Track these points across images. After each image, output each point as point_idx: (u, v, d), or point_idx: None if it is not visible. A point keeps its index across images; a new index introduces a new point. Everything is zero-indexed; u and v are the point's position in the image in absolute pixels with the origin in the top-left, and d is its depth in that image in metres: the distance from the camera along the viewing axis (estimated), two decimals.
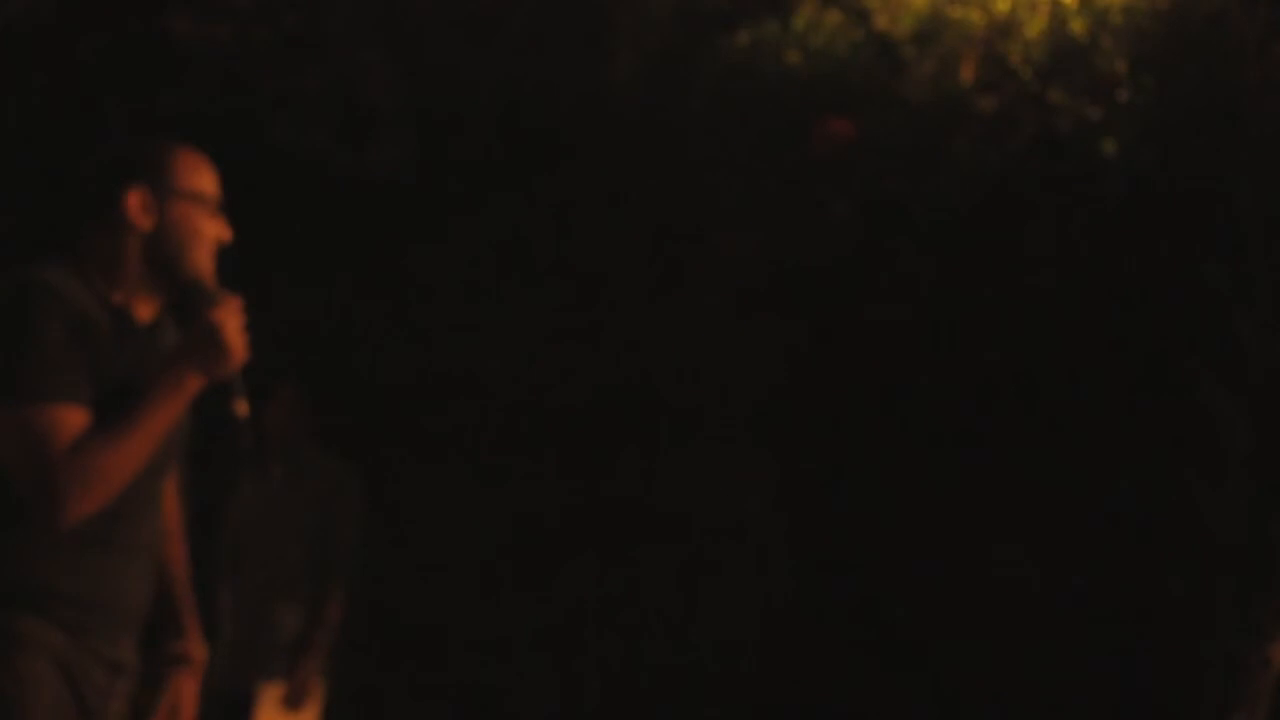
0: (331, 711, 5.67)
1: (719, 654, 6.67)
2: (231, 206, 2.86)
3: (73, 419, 2.56)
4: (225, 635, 5.55)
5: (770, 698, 6.60)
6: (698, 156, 6.56)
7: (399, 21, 6.71)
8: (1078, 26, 5.93)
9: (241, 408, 2.73)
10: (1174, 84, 5.74)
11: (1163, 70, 5.77)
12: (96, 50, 6.81)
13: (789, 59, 6.44)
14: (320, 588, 5.53)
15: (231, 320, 2.66)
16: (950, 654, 6.32)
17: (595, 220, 6.79)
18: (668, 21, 6.63)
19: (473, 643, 6.97)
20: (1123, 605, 6.10)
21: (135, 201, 2.71)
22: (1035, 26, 6.00)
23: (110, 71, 6.77)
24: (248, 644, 5.53)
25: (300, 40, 6.73)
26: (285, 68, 6.69)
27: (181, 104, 6.52)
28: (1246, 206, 5.62)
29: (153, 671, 2.86)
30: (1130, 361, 6.03)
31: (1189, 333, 5.79)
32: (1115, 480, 6.10)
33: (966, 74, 6.15)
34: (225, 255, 2.87)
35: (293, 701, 5.49)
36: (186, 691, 2.94)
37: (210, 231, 2.76)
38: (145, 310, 2.77)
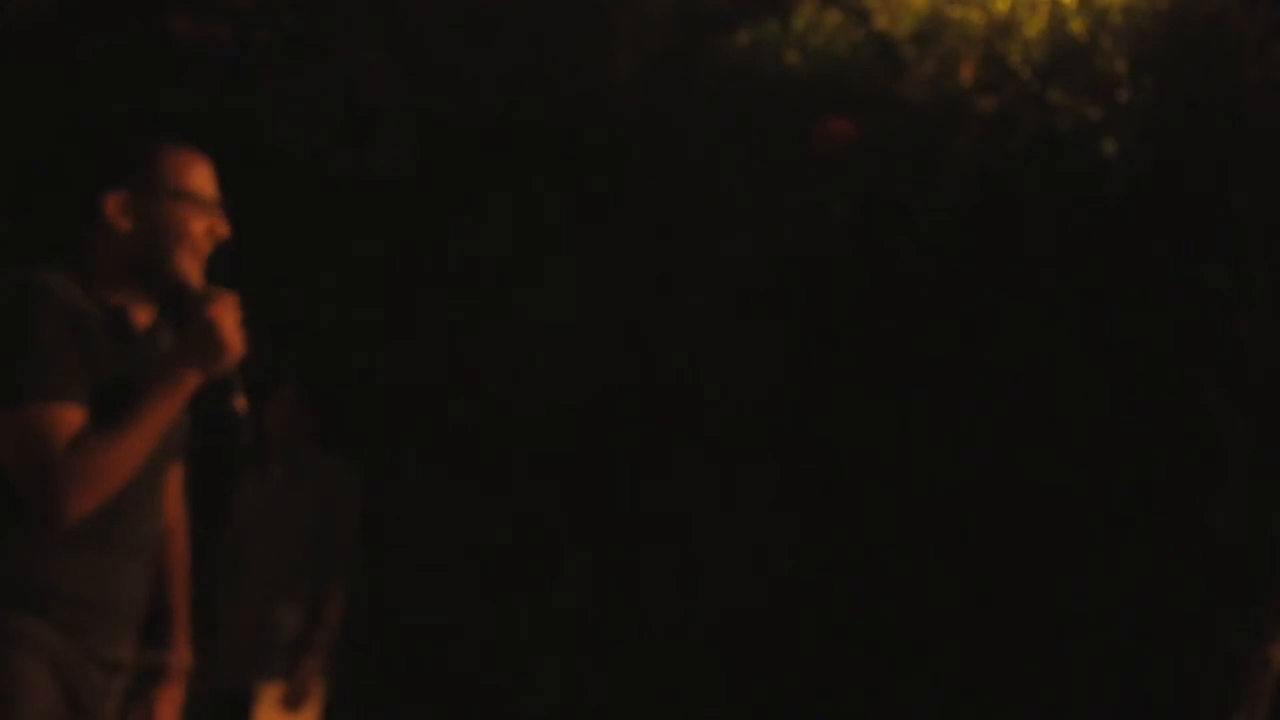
0: (331, 711, 5.67)
1: (719, 654, 6.67)
2: (231, 206, 2.85)
3: (71, 418, 2.57)
4: (225, 635, 5.55)
5: (770, 698, 6.60)
6: (698, 156, 6.56)
7: (399, 21, 6.71)
8: (1077, 26, 5.93)
9: (240, 404, 2.74)
10: (1174, 84, 5.74)
11: (1163, 70, 5.77)
12: (96, 50, 6.80)
13: (789, 59, 6.43)
14: (320, 588, 5.54)
15: (227, 316, 2.67)
16: (950, 654, 6.31)
17: (595, 220, 6.79)
18: (668, 21, 6.63)
19: (473, 643, 6.98)
20: (1123, 605, 6.10)
21: (114, 204, 2.71)
22: (1035, 26, 5.99)
23: (110, 71, 6.77)
24: (248, 644, 5.53)
25: (300, 40, 6.73)
26: (285, 68, 6.69)
27: (181, 104, 6.52)
28: (1246, 206, 5.62)
29: (133, 681, 2.86)
30: (1130, 361, 6.03)
31: (1189, 333, 5.78)
32: (1115, 480, 6.10)
33: (966, 74, 6.15)
34: (225, 255, 2.86)
35: (293, 701, 5.49)
36: (165, 704, 2.94)
37: (199, 229, 2.76)
38: (142, 313, 2.78)
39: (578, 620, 6.90)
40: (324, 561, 5.56)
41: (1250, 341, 5.65)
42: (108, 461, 2.57)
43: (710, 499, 6.70)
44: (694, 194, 6.55)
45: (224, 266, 2.85)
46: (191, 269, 2.74)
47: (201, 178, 2.78)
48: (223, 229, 2.78)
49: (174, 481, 2.95)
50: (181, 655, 2.96)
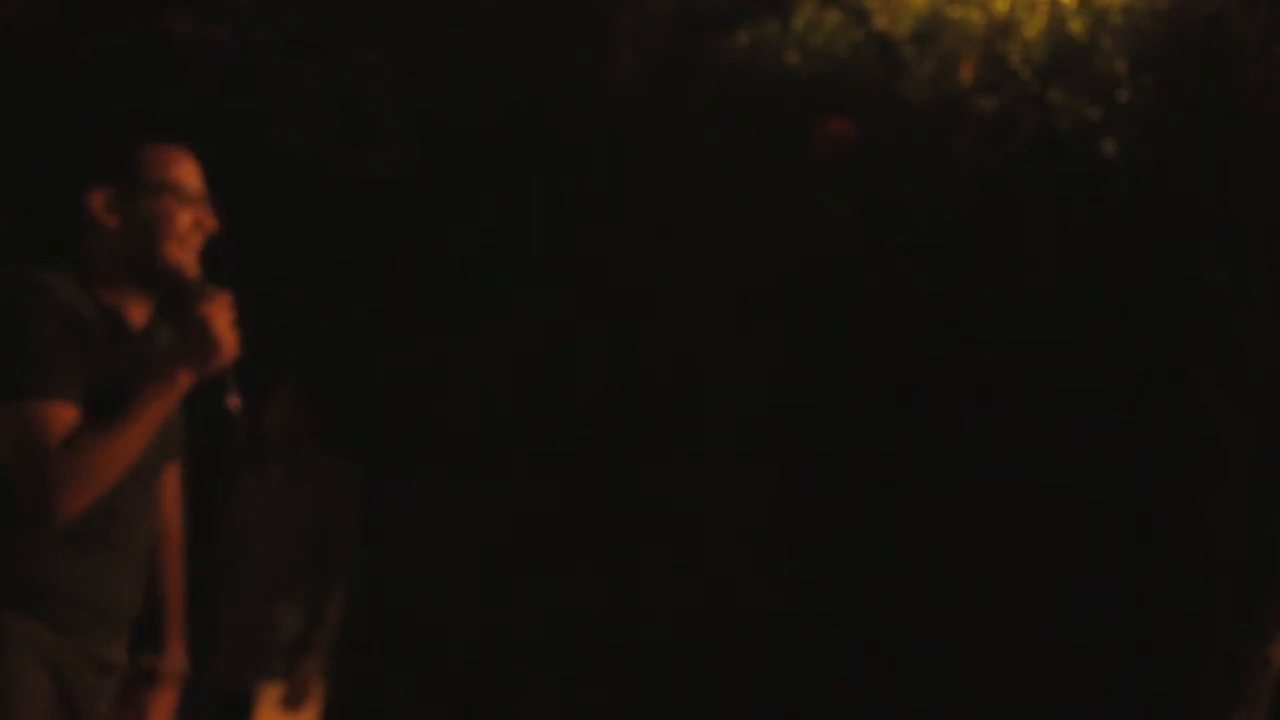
0: (331, 711, 5.67)
1: (719, 654, 6.67)
2: (231, 206, 2.86)
3: (66, 416, 2.58)
4: (225, 635, 5.55)
5: (770, 698, 6.60)
6: (698, 156, 6.55)
7: (399, 21, 6.71)
8: (1077, 26, 5.93)
9: (234, 402, 2.74)
10: (1174, 84, 5.74)
11: (1163, 70, 5.77)
12: (96, 50, 6.80)
13: (789, 59, 6.43)
14: (320, 587, 5.53)
15: (221, 315, 2.67)
16: (950, 654, 6.32)
17: (595, 220, 6.79)
18: (668, 21, 6.62)
19: (473, 643, 6.97)
20: (1123, 606, 6.11)
21: (98, 202, 2.73)
22: (1034, 26, 5.99)
23: (110, 71, 6.76)
24: (248, 644, 5.53)
25: (300, 40, 6.72)
26: (285, 68, 6.69)
27: (181, 104, 6.51)
28: (1246, 206, 5.62)
29: (125, 686, 2.85)
30: (1130, 362, 6.03)
31: (1189, 333, 5.79)
32: (1115, 481, 6.10)
33: (966, 74, 6.15)
34: (226, 255, 2.87)
35: (293, 701, 5.48)
36: (158, 709, 2.93)
37: (185, 221, 2.76)
38: (138, 314, 2.79)
39: (578, 620, 6.90)
40: (324, 561, 5.56)
41: (1250, 341, 5.65)
42: (101, 460, 2.57)
43: (710, 499, 6.70)
44: (694, 194, 6.55)
45: (224, 266, 2.85)
46: (184, 259, 2.75)
47: (184, 171, 2.79)
48: (210, 221, 2.79)
49: (171, 481, 2.95)
50: (175, 659, 2.95)
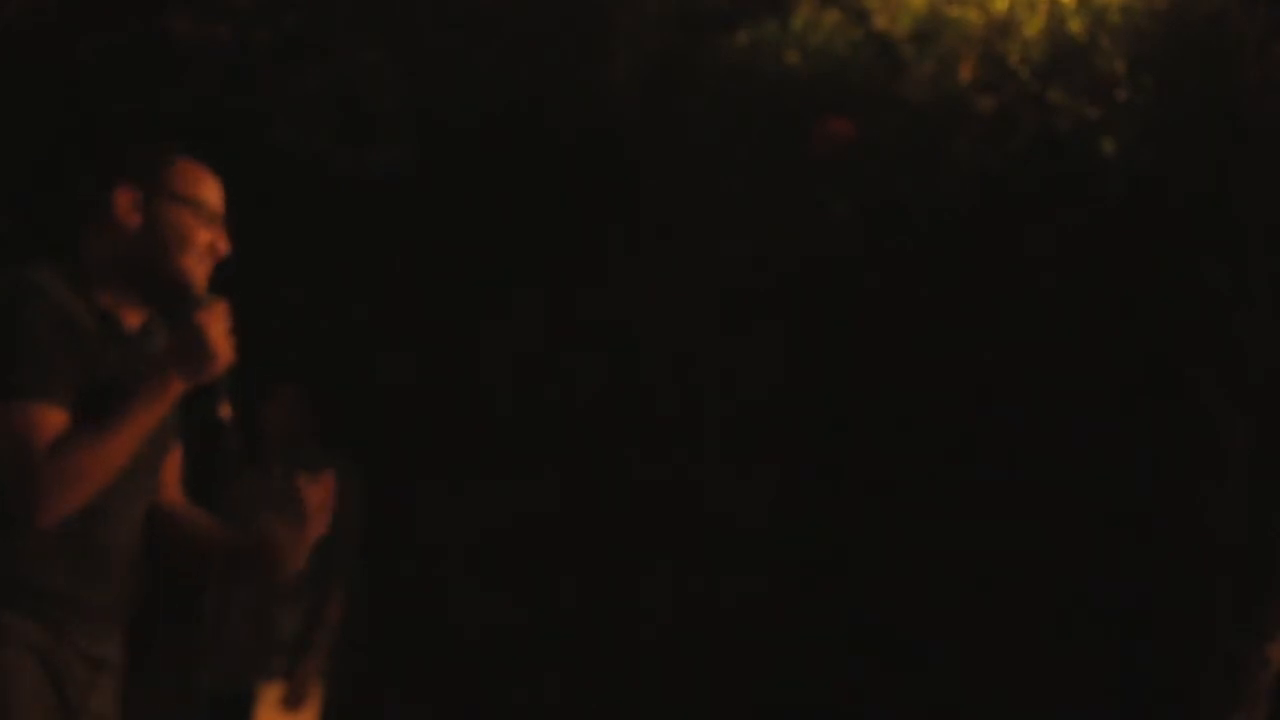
0: (331, 712, 5.67)
1: (719, 654, 6.67)
2: (231, 206, 2.86)
3: (55, 418, 2.58)
4: (225, 635, 5.55)
5: (770, 698, 6.60)
6: (698, 156, 6.55)
7: (399, 21, 6.70)
8: (1076, 26, 5.92)
9: (225, 411, 2.75)
10: (1174, 84, 5.74)
11: (1162, 70, 5.76)
12: (96, 50, 6.79)
13: (788, 59, 6.43)
14: (320, 588, 5.53)
15: (216, 324, 2.68)
16: (950, 654, 6.32)
17: (594, 220, 6.79)
18: (668, 21, 6.62)
19: (473, 643, 6.97)
20: (1123, 605, 6.11)
21: (124, 199, 2.73)
22: (1034, 26, 5.99)
23: (110, 71, 6.76)
24: (247, 644, 5.53)
25: (300, 40, 6.72)
26: (285, 68, 6.68)
27: (181, 104, 6.51)
28: (1246, 206, 5.62)
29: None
30: (1130, 361, 6.03)
31: (1189, 333, 5.78)
32: (1115, 480, 6.10)
33: (965, 74, 6.15)
34: (226, 256, 2.87)
35: (292, 702, 5.48)
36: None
37: (203, 239, 2.77)
38: (133, 317, 2.79)
39: (578, 620, 6.90)
40: (324, 562, 5.55)
41: (1250, 341, 5.65)
42: (89, 464, 2.58)
43: (710, 499, 6.70)
44: (694, 194, 6.54)
45: (224, 267, 2.85)
46: (195, 273, 2.76)
47: (211, 191, 2.81)
48: (224, 245, 2.80)
49: (172, 469, 2.95)
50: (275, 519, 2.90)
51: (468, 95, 6.68)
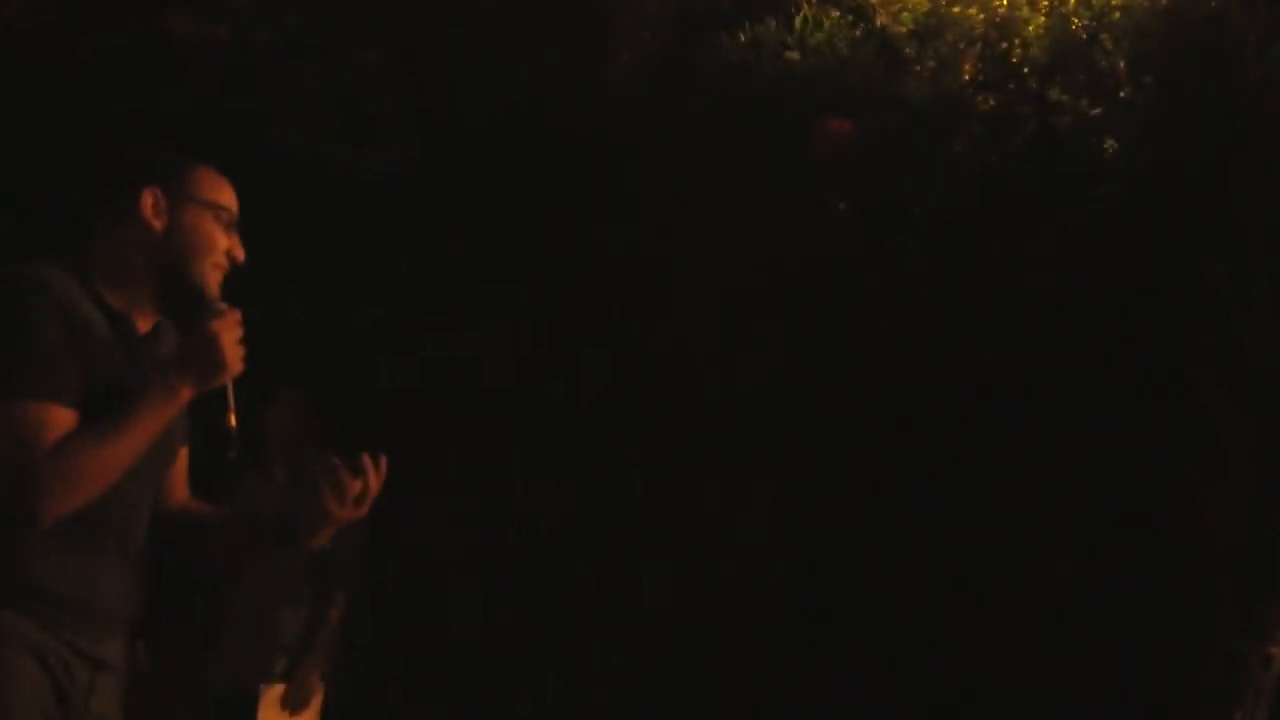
0: (332, 713, 5.67)
1: (719, 654, 6.67)
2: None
3: (59, 418, 2.58)
4: (226, 636, 5.55)
5: (770, 699, 6.60)
6: (697, 156, 6.55)
7: (399, 21, 6.70)
8: (1077, 24, 5.92)
9: (231, 420, 2.75)
10: (1174, 83, 5.73)
11: (1163, 70, 5.76)
12: (96, 50, 6.79)
13: (789, 58, 6.42)
14: (321, 589, 5.54)
15: (228, 333, 2.68)
16: (950, 654, 6.32)
17: (594, 220, 6.79)
18: (668, 21, 6.62)
19: (473, 643, 6.97)
20: (1123, 605, 6.10)
21: (150, 200, 2.75)
22: (1035, 24, 5.99)
23: (110, 71, 6.76)
24: (249, 645, 5.53)
25: (300, 40, 6.72)
26: (285, 68, 6.68)
27: (181, 104, 6.51)
28: (1246, 206, 5.62)
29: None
30: (1130, 361, 6.03)
31: (1189, 333, 5.78)
32: (1115, 480, 6.10)
33: (966, 72, 6.14)
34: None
35: (293, 703, 5.49)
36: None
37: (221, 244, 2.79)
38: (142, 318, 2.79)
39: (578, 621, 6.90)
40: (325, 563, 5.56)
41: (1250, 341, 5.65)
42: (91, 465, 2.58)
43: (710, 499, 6.70)
44: (694, 194, 6.54)
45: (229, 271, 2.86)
46: (211, 278, 2.77)
47: (231, 198, 2.83)
48: (239, 254, 2.82)
49: (180, 470, 2.95)
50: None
51: (468, 95, 6.68)
